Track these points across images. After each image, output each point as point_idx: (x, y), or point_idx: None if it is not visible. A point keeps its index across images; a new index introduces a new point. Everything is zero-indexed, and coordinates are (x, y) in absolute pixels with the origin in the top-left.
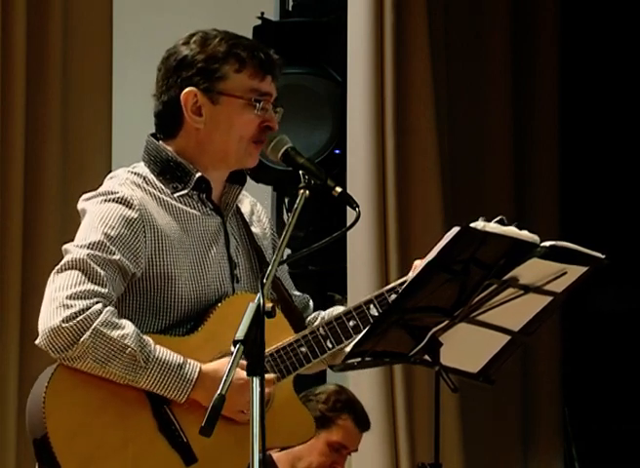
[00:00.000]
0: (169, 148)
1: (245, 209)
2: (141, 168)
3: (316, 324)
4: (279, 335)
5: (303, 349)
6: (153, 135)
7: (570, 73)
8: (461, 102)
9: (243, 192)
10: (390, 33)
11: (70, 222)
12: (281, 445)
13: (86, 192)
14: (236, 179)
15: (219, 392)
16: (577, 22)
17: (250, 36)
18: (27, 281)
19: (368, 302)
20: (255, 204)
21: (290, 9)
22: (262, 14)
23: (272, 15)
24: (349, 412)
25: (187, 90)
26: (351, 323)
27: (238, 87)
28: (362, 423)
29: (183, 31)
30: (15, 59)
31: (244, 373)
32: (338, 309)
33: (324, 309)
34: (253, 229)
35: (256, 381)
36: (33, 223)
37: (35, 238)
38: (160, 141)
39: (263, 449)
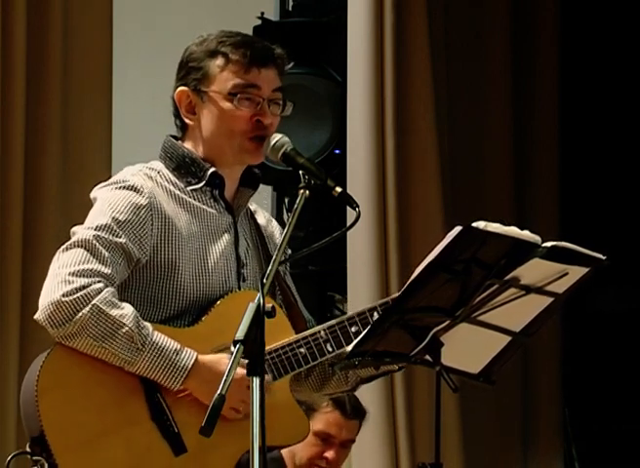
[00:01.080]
0: (185, 146)
1: (260, 220)
2: (157, 163)
3: (318, 327)
4: (280, 337)
5: (303, 350)
6: (173, 136)
7: (570, 73)
8: (461, 102)
9: (258, 206)
10: (390, 33)
11: (70, 222)
12: (275, 444)
13: (100, 182)
14: (250, 183)
15: (218, 392)
16: (577, 22)
17: None
18: (27, 281)
19: (372, 309)
20: (270, 220)
21: (290, 9)
22: (262, 14)
23: (272, 15)
24: (329, 399)
25: (178, 90)
26: (353, 328)
27: (220, 83)
28: (344, 409)
29: (183, 31)
30: (15, 59)
31: (239, 370)
32: None
33: (324, 309)
34: (267, 242)
35: (256, 381)
36: (33, 223)
37: (35, 238)
38: (178, 141)
39: (263, 449)
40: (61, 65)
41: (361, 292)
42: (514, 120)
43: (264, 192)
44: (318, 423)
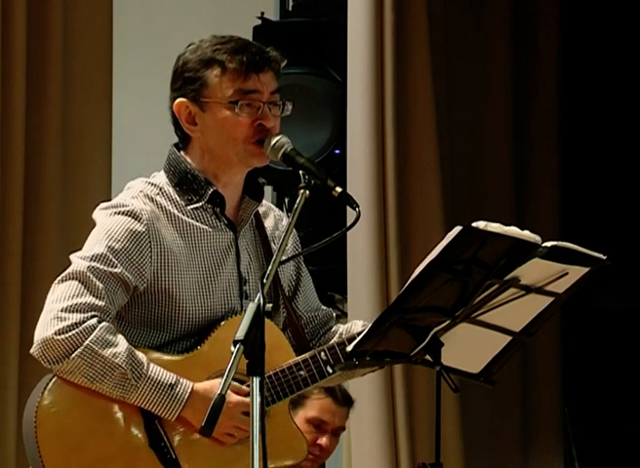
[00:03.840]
0: (188, 159)
1: (268, 223)
2: (160, 177)
3: (319, 348)
4: (281, 359)
5: (303, 373)
6: (176, 144)
7: (570, 73)
8: (462, 102)
9: (270, 206)
10: (390, 33)
11: (70, 223)
12: (273, 466)
13: (103, 201)
14: (254, 194)
15: (218, 392)
16: (577, 23)
17: (250, 36)
18: (27, 280)
19: None
20: (280, 219)
21: (290, 9)
22: (262, 14)
23: (272, 15)
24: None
25: (177, 101)
26: None
27: (220, 91)
28: (335, 395)
29: (183, 31)
30: (15, 59)
31: (234, 397)
32: (357, 324)
33: None
34: (273, 246)
35: (256, 381)
36: (33, 224)
37: (35, 238)
38: (181, 152)
39: (264, 450)
40: (61, 65)
41: (361, 293)
42: (514, 120)
43: (265, 192)
44: (311, 410)
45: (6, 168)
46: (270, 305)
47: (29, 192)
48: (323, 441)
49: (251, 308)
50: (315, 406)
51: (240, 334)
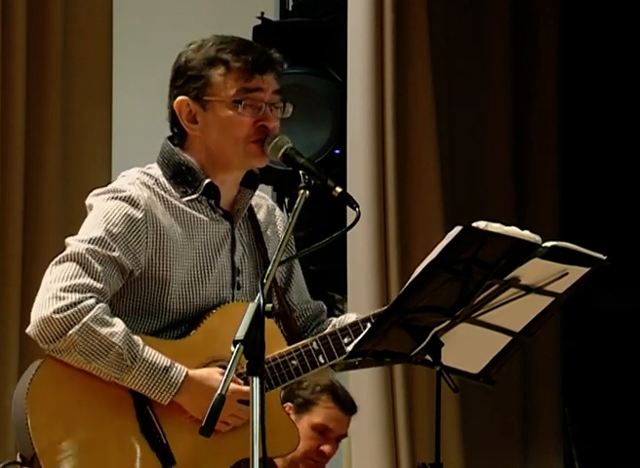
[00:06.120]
0: (183, 153)
1: (261, 215)
2: (155, 169)
3: (310, 338)
4: (273, 348)
5: (294, 362)
6: (171, 138)
7: (570, 73)
8: (461, 102)
9: (263, 196)
10: (390, 33)
11: (70, 222)
12: (268, 455)
13: (96, 188)
14: (250, 184)
15: (218, 392)
16: (577, 23)
17: (250, 36)
18: (27, 280)
19: (365, 320)
20: (273, 209)
21: (290, 9)
22: (262, 14)
23: (272, 15)
24: (329, 393)
25: (178, 99)
26: (346, 339)
27: (223, 90)
28: (343, 404)
29: (183, 31)
30: (15, 59)
31: (232, 386)
32: (350, 317)
33: None
34: (266, 238)
35: (256, 381)
36: (33, 224)
37: (35, 238)
38: (176, 147)
39: (264, 449)
40: (61, 65)
41: (361, 293)
42: (514, 120)
43: (264, 192)
44: (317, 417)
45: (6, 168)
46: (270, 305)
47: (29, 192)
48: (327, 448)
49: (251, 308)
50: (321, 413)
51: (240, 334)
